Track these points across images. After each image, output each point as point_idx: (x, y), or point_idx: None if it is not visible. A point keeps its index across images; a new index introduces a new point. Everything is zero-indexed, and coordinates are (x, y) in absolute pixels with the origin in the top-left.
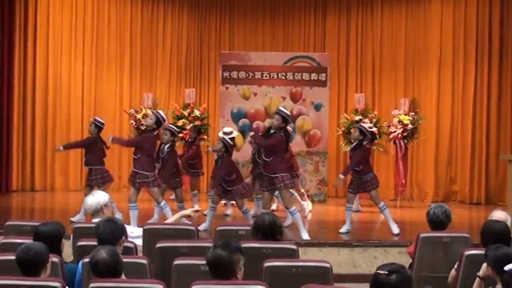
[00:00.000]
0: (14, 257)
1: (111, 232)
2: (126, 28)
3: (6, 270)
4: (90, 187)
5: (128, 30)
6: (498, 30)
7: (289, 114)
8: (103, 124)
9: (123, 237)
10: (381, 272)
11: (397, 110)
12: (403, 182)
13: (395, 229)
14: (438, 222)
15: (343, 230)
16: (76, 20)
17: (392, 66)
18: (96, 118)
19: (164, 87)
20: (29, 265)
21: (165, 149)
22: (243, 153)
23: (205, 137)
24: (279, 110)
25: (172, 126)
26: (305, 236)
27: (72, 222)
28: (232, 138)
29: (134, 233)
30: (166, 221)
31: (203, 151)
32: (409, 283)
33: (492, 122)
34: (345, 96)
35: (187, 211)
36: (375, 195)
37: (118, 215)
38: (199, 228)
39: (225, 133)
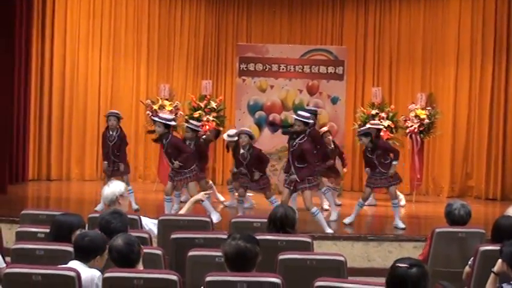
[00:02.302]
0: (29, 246)
1: (117, 224)
2: (143, 19)
3: (22, 258)
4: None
5: (146, 21)
6: None
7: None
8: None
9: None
10: (402, 265)
11: (414, 105)
12: (418, 176)
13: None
14: (462, 223)
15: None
16: (94, 11)
17: (409, 60)
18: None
19: (181, 78)
20: (81, 251)
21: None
22: (259, 146)
23: (222, 129)
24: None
25: (193, 122)
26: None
27: (97, 211)
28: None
29: (148, 225)
30: (181, 211)
31: None
32: (427, 277)
33: (509, 117)
34: (361, 90)
35: (199, 195)
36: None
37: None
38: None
39: (229, 135)
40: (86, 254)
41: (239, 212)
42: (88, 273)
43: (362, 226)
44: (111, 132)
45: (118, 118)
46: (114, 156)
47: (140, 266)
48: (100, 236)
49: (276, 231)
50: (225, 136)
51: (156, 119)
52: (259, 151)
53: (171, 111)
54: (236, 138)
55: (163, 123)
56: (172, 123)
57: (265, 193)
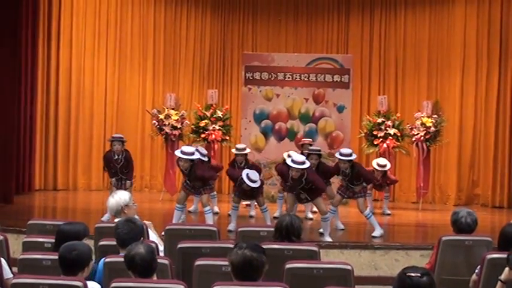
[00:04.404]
0: (36, 256)
1: (129, 232)
2: (149, 28)
3: (29, 268)
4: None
5: (151, 30)
6: None
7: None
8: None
9: (142, 238)
10: (414, 274)
11: (419, 113)
12: (422, 184)
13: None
14: (469, 231)
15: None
16: (99, 20)
17: (415, 68)
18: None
19: (187, 87)
20: (70, 264)
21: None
22: (265, 155)
23: (228, 137)
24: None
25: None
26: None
27: (103, 222)
28: None
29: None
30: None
31: None
32: (435, 286)
33: None
34: (367, 98)
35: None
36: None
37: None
38: (229, 228)
39: (238, 149)
40: (74, 267)
41: (232, 220)
42: (89, 286)
43: (368, 235)
44: (116, 156)
45: (122, 142)
46: (122, 174)
47: (155, 276)
48: (87, 248)
49: (282, 240)
50: (233, 150)
51: (182, 155)
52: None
53: (177, 121)
54: (244, 152)
55: (189, 158)
56: (195, 156)
57: (257, 200)
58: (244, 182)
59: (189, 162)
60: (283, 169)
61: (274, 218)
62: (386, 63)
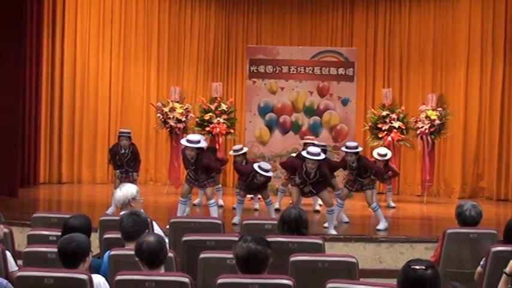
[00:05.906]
0: (41, 249)
1: (133, 225)
2: (153, 22)
3: (34, 261)
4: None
5: (156, 23)
6: None
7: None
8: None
9: (146, 231)
10: (418, 267)
11: (424, 106)
12: (427, 177)
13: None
14: (474, 223)
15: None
16: (104, 13)
17: (420, 61)
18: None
19: (191, 80)
20: (70, 256)
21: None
22: (270, 148)
23: (232, 131)
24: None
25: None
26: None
27: (108, 215)
28: None
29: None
30: None
31: None
32: (440, 279)
33: None
34: (372, 91)
35: None
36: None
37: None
38: (234, 221)
39: (234, 150)
40: (74, 259)
41: (237, 213)
42: (94, 279)
43: (373, 228)
44: (123, 151)
45: (129, 137)
46: (128, 166)
47: (162, 269)
48: (85, 239)
49: (290, 233)
50: (231, 152)
51: (188, 144)
52: None
53: (181, 114)
54: (242, 152)
55: (195, 147)
56: (202, 144)
57: (262, 193)
58: (258, 173)
59: (196, 150)
60: (295, 162)
61: (276, 210)
62: (391, 56)
